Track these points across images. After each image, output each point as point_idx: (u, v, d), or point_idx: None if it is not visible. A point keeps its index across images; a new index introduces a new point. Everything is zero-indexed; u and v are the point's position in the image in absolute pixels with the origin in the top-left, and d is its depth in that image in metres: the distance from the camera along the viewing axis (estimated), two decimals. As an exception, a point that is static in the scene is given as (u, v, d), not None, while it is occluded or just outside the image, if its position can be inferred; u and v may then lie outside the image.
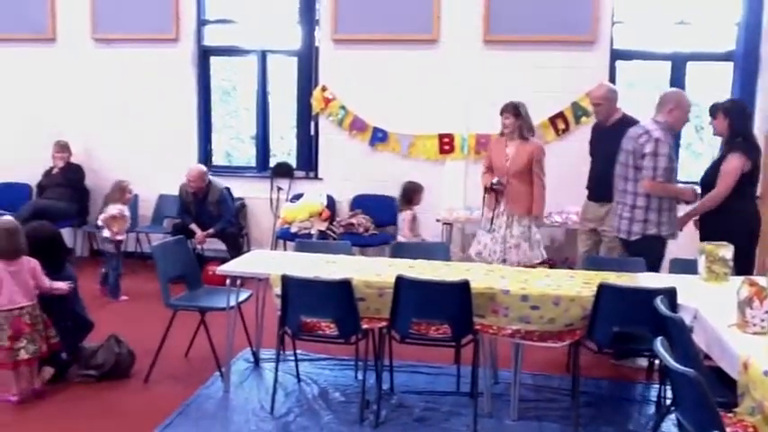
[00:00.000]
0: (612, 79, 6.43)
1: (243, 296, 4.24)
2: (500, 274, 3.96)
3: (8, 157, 7.52)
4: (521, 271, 4.14)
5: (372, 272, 3.84)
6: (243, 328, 4.42)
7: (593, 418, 3.80)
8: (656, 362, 4.11)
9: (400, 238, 6.25)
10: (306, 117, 7.13)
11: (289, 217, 6.63)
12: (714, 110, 4.69)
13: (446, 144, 6.75)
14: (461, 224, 6.53)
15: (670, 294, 3.33)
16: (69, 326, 4.12)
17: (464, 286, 3.50)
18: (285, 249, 6.45)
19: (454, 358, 4.21)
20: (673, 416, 2.58)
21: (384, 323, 3.68)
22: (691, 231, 4.75)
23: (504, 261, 4.94)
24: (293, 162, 7.24)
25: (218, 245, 6.59)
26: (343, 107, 6.90)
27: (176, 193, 6.66)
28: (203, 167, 6.56)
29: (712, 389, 2.27)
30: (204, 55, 7.31)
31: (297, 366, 4.32)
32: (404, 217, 6.39)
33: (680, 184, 4.57)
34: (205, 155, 7.42)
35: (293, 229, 6.48)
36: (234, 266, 4.11)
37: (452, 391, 4.10)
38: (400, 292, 3.56)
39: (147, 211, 7.22)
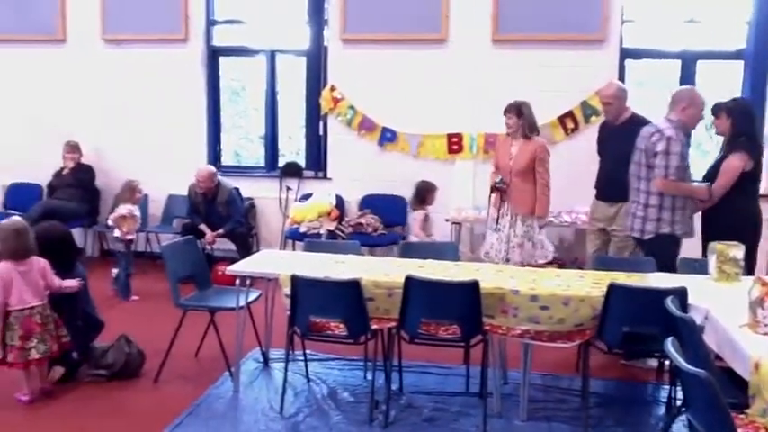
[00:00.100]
0: (622, 78, 6.41)
1: (252, 296, 4.24)
2: (509, 274, 3.95)
3: (19, 158, 7.57)
4: (530, 271, 4.12)
5: (381, 272, 3.84)
6: (252, 328, 4.42)
7: (603, 419, 3.78)
8: (667, 362, 4.09)
9: (412, 238, 6.25)
10: (315, 117, 7.13)
11: (298, 217, 6.63)
12: (717, 109, 4.67)
13: (455, 144, 6.75)
14: (470, 224, 6.52)
15: (681, 294, 3.31)
16: (80, 326, 4.14)
17: (473, 286, 3.49)
18: (294, 249, 6.46)
19: (463, 358, 4.21)
20: (683, 417, 2.56)
21: (393, 323, 3.68)
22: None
23: (507, 261, 4.94)
24: (302, 162, 7.24)
25: (227, 245, 6.61)
26: (351, 107, 6.90)
27: (185, 193, 6.68)
28: (212, 168, 6.58)
29: (723, 390, 2.26)
30: (213, 55, 7.33)
31: (306, 366, 4.33)
32: (415, 216, 6.38)
33: (695, 183, 4.52)
34: (214, 155, 7.44)
35: (302, 229, 6.49)
36: (243, 266, 4.12)
37: (461, 391, 4.09)
38: (409, 292, 3.56)
39: (157, 211, 7.24)
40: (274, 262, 4.22)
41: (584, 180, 5.44)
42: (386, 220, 6.70)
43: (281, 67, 7.34)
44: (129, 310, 5.65)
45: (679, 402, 3.51)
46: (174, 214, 7.19)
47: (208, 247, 6.45)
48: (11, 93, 7.59)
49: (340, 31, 6.84)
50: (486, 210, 5.37)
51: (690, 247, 4.60)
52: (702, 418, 2.37)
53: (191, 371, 4.36)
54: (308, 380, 4.26)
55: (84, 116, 7.41)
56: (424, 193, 6.39)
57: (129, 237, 5.96)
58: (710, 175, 4.60)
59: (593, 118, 6.36)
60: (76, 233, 6.13)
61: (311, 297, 3.67)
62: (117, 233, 5.95)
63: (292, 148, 7.63)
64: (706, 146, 7.26)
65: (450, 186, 6.62)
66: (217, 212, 6.50)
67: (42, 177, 7.34)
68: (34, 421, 3.67)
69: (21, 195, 7.47)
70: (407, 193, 6.74)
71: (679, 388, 3.25)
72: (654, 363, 4.38)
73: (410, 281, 3.54)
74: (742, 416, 2.47)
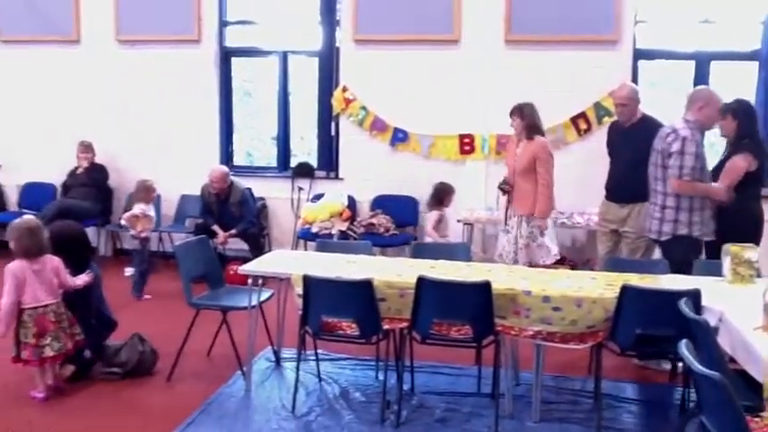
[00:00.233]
0: (635, 79, 6.39)
1: (264, 296, 4.26)
2: (521, 275, 3.95)
3: (33, 157, 7.64)
4: (542, 272, 4.12)
5: (393, 272, 3.84)
6: (264, 327, 4.44)
7: (616, 421, 3.77)
8: (680, 365, 4.06)
9: (427, 239, 6.24)
10: (327, 117, 7.14)
11: (309, 217, 6.65)
12: (723, 111, 4.64)
13: (467, 144, 6.74)
14: (482, 225, 6.51)
15: (694, 296, 3.29)
16: (93, 324, 4.17)
17: (485, 287, 3.48)
18: (306, 249, 6.48)
19: (475, 359, 4.21)
20: (697, 419, 2.55)
21: (405, 324, 3.68)
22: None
23: (516, 262, 4.94)
24: (314, 162, 7.26)
25: (239, 244, 6.63)
26: (363, 107, 6.91)
27: (198, 193, 6.72)
28: (225, 168, 6.61)
29: (738, 392, 2.24)
30: (226, 56, 7.35)
31: (318, 366, 4.34)
32: (429, 216, 6.37)
33: (713, 184, 4.45)
34: (226, 155, 7.46)
35: (314, 229, 6.50)
36: (255, 266, 4.13)
37: (473, 392, 4.09)
38: (421, 292, 3.55)
39: (170, 210, 7.28)
40: (286, 262, 4.23)
41: (596, 181, 5.42)
42: (397, 221, 6.70)
43: (293, 68, 7.36)
44: (142, 309, 5.68)
45: (693, 405, 3.49)
46: (187, 214, 7.23)
47: (220, 247, 6.48)
48: (26, 93, 7.64)
49: (352, 31, 6.85)
50: (496, 210, 5.38)
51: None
52: (716, 421, 2.36)
53: (203, 370, 4.38)
54: (320, 379, 4.27)
55: (97, 116, 7.46)
56: (442, 195, 6.36)
57: (144, 235, 5.99)
58: (714, 176, 4.58)
59: (606, 119, 6.33)
60: (90, 232, 6.15)
61: (323, 297, 3.68)
62: (132, 232, 5.99)
63: (304, 149, 7.64)
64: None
65: (461, 187, 6.60)
66: (230, 213, 6.52)
67: (56, 177, 7.40)
68: (48, 418, 3.70)
69: (35, 194, 7.54)
70: (419, 193, 6.74)
71: (692, 390, 3.24)
72: (667, 365, 4.36)
73: (422, 281, 3.54)
74: (757, 419, 2.45)
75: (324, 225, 6.52)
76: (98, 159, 7.31)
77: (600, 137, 6.13)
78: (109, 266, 6.63)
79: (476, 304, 3.54)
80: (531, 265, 4.67)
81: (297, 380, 3.91)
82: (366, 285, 3.56)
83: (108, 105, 7.44)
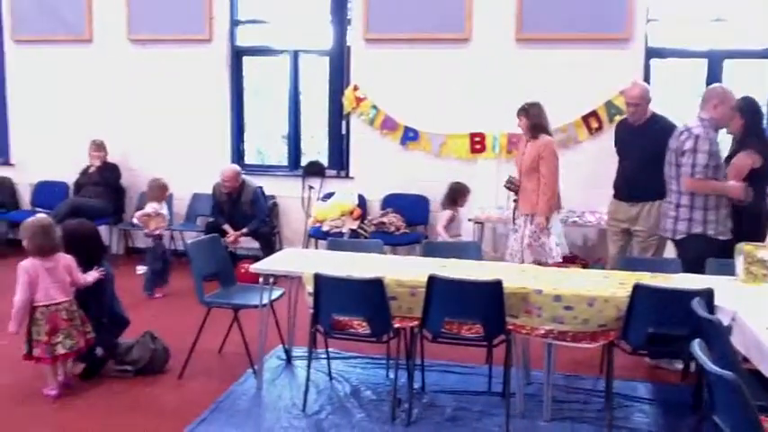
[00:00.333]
0: (647, 77, 6.36)
1: (275, 294, 4.26)
2: (533, 273, 3.94)
3: (46, 156, 7.69)
4: (554, 271, 4.11)
5: (404, 271, 3.84)
6: (275, 325, 4.46)
7: (627, 421, 3.75)
8: (692, 364, 4.04)
9: (438, 238, 6.23)
10: (337, 116, 7.15)
11: (320, 216, 6.66)
12: None
13: (477, 143, 6.73)
14: (493, 223, 6.50)
15: (707, 295, 3.28)
16: (105, 322, 4.19)
17: (497, 286, 3.48)
18: (317, 248, 6.49)
19: (486, 358, 4.20)
20: (710, 419, 2.54)
21: (416, 322, 3.67)
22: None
23: (522, 261, 4.95)
24: (325, 161, 7.26)
25: (250, 243, 6.65)
26: (374, 106, 6.91)
27: (210, 191, 6.74)
28: (237, 167, 6.63)
29: (751, 392, 2.23)
30: (237, 55, 7.37)
31: (329, 364, 4.35)
32: (441, 215, 6.34)
33: (730, 182, 4.39)
34: (238, 154, 7.48)
35: (325, 228, 6.51)
36: (267, 265, 4.14)
37: (484, 390, 4.08)
38: (432, 291, 3.55)
39: (181, 209, 7.31)
40: (297, 260, 4.24)
41: (607, 180, 5.38)
42: (408, 220, 6.70)
43: (304, 67, 7.37)
44: (154, 308, 5.71)
45: (705, 405, 3.47)
46: (198, 212, 7.26)
47: (230, 246, 6.49)
48: (39, 92, 7.69)
49: (363, 30, 6.85)
50: (506, 209, 5.39)
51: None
52: (730, 420, 2.35)
53: (214, 367, 4.39)
54: (331, 378, 4.27)
55: (109, 115, 7.50)
56: (456, 194, 6.33)
57: (157, 233, 6.02)
58: None
59: (617, 117, 6.29)
60: (102, 231, 6.17)
61: (334, 295, 3.69)
62: (146, 229, 6.03)
63: (315, 148, 7.65)
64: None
65: (472, 186, 6.59)
66: (241, 211, 6.54)
67: (69, 176, 7.44)
68: (60, 415, 3.72)
69: (48, 193, 7.59)
70: (430, 192, 6.74)
71: (705, 390, 3.22)
72: (679, 364, 4.34)
73: (433, 280, 3.54)
74: (770, 419, 2.44)
75: (334, 224, 6.53)
76: (110, 158, 7.35)
77: (611, 135, 6.09)
78: (121, 265, 6.68)
79: (487, 303, 3.53)
80: (538, 264, 4.65)
81: (308, 378, 3.91)
82: (377, 284, 3.56)
83: (120, 104, 7.48)
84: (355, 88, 6.95)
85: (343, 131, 7.15)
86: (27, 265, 3.84)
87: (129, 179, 7.45)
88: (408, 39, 6.73)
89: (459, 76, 6.69)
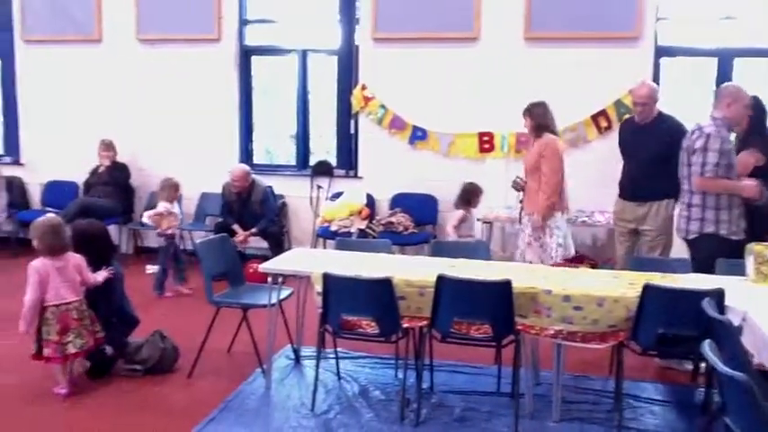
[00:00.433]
0: (657, 76, 6.34)
1: (284, 293, 4.27)
2: (542, 273, 3.92)
3: (56, 156, 7.73)
4: (563, 271, 4.09)
5: (413, 270, 3.84)
6: (284, 325, 4.46)
7: (637, 422, 3.74)
8: (702, 365, 4.02)
9: (447, 237, 6.21)
10: (346, 116, 7.15)
11: (329, 215, 6.66)
12: None
13: (486, 143, 6.71)
14: (501, 223, 6.49)
15: (718, 296, 3.26)
16: (114, 321, 4.20)
17: (506, 286, 3.47)
18: (325, 248, 6.50)
19: (494, 358, 4.20)
20: (721, 420, 2.53)
21: (425, 322, 3.67)
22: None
23: (524, 260, 5.00)
24: (333, 161, 7.27)
25: (259, 242, 6.66)
26: (382, 106, 6.91)
27: (219, 191, 6.76)
28: (247, 167, 6.64)
29: (762, 393, 2.22)
30: (245, 54, 7.39)
31: (337, 364, 4.35)
32: (452, 215, 6.29)
33: (744, 181, 4.35)
34: (246, 153, 7.50)
35: (333, 228, 6.51)
36: (276, 264, 4.15)
37: (493, 391, 4.07)
38: (441, 291, 3.55)
39: (190, 209, 7.33)
40: (306, 260, 4.24)
41: (616, 179, 5.37)
42: (417, 219, 6.70)
43: (312, 67, 7.38)
44: (164, 307, 5.73)
45: (715, 406, 3.45)
46: (207, 212, 7.28)
47: (239, 246, 6.50)
48: (48, 92, 7.74)
49: (371, 30, 6.85)
50: (514, 209, 5.40)
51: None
52: (741, 422, 2.33)
53: (223, 367, 4.40)
54: (340, 377, 4.27)
55: (118, 115, 7.53)
56: (470, 195, 6.27)
57: (169, 232, 6.04)
58: None
59: (627, 116, 6.28)
60: (111, 230, 6.21)
61: (343, 295, 3.69)
62: (158, 229, 6.04)
63: (323, 147, 7.65)
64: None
65: (480, 186, 6.58)
66: (251, 211, 6.55)
67: (79, 175, 7.47)
68: (70, 414, 3.74)
69: (57, 193, 7.63)
70: (438, 191, 6.74)
71: (715, 391, 3.20)
72: (689, 365, 4.31)
73: (442, 280, 3.53)
74: (782, 420, 2.42)
75: (343, 223, 6.53)
76: (119, 158, 7.38)
77: (621, 135, 6.10)
78: (131, 264, 6.70)
79: (496, 303, 3.53)
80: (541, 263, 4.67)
81: (316, 378, 3.92)
82: (386, 284, 3.56)
83: (129, 104, 7.51)
84: (363, 88, 6.95)
85: (352, 131, 7.16)
86: (38, 264, 3.86)
87: (138, 179, 7.48)
88: (417, 38, 6.72)
89: (467, 75, 6.69)
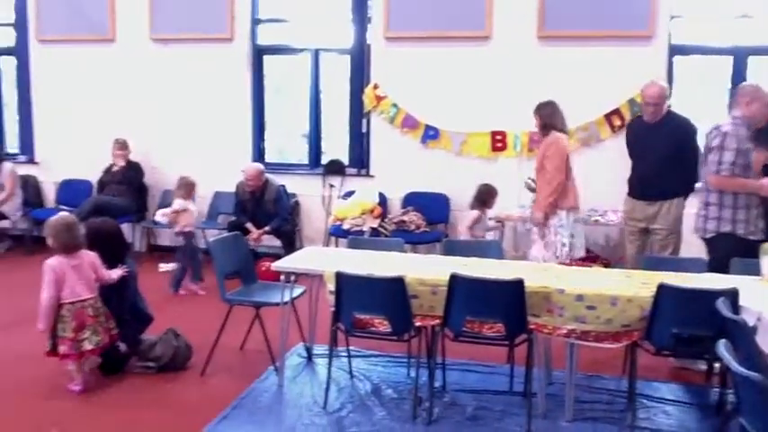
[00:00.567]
0: (670, 75, 6.30)
1: (297, 292, 4.27)
2: (555, 273, 3.92)
3: (70, 155, 7.78)
4: (576, 270, 4.08)
5: (425, 269, 3.84)
6: (296, 323, 4.48)
7: (650, 422, 3.72)
8: (716, 365, 4.00)
9: (460, 237, 6.20)
10: (358, 115, 7.15)
11: (341, 214, 6.67)
12: None
13: (499, 142, 6.70)
14: (514, 222, 6.47)
15: (732, 295, 3.24)
16: (128, 319, 4.23)
17: (518, 285, 3.47)
18: (337, 246, 6.51)
19: (507, 357, 4.19)
20: (736, 421, 2.51)
21: (437, 321, 3.67)
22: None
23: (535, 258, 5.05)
24: (345, 159, 7.28)
25: (271, 241, 6.68)
26: (394, 105, 6.91)
27: (231, 189, 6.78)
28: (261, 166, 6.66)
29: (779, 394, 2.21)
30: (258, 54, 7.41)
31: (350, 362, 4.36)
32: (466, 215, 6.28)
33: (763, 180, 4.29)
34: (259, 152, 7.52)
35: (345, 226, 6.52)
36: (288, 263, 4.16)
37: (505, 390, 4.07)
38: (454, 289, 3.55)
39: (203, 207, 7.35)
40: (319, 258, 4.25)
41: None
42: (429, 218, 6.69)
43: (324, 66, 7.39)
44: (177, 304, 5.76)
45: (730, 406, 3.43)
46: (220, 211, 7.30)
47: (252, 243, 6.52)
48: (63, 91, 7.79)
49: (383, 28, 6.85)
50: (527, 208, 5.42)
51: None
52: (757, 422, 2.32)
53: (236, 365, 4.42)
54: (352, 376, 4.28)
55: (132, 114, 7.57)
56: (486, 196, 6.22)
57: (188, 229, 6.07)
58: None
59: (635, 116, 6.25)
60: (125, 229, 6.26)
61: (355, 294, 3.69)
62: (176, 228, 6.06)
63: (335, 146, 7.66)
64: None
65: (493, 185, 6.57)
66: (264, 210, 6.58)
67: (93, 174, 7.52)
68: (84, 411, 3.76)
69: (72, 191, 7.69)
70: (450, 190, 6.73)
71: (730, 391, 3.18)
72: (703, 365, 4.29)
73: (455, 279, 3.53)
74: (798, 421, 2.40)
75: (355, 222, 6.54)
76: (133, 157, 7.42)
77: (634, 134, 6.07)
78: (144, 262, 6.74)
79: (509, 302, 3.52)
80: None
81: (329, 376, 3.92)
82: (398, 282, 3.56)
83: (142, 103, 7.55)
84: (376, 86, 6.95)
85: (364, 130, 7.16)
86: (53, 263, 3.89)
87: (151, 177, 7.53)
88: (429, 37, 6.72)
89: (480, 73, 6.67)
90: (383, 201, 6.89)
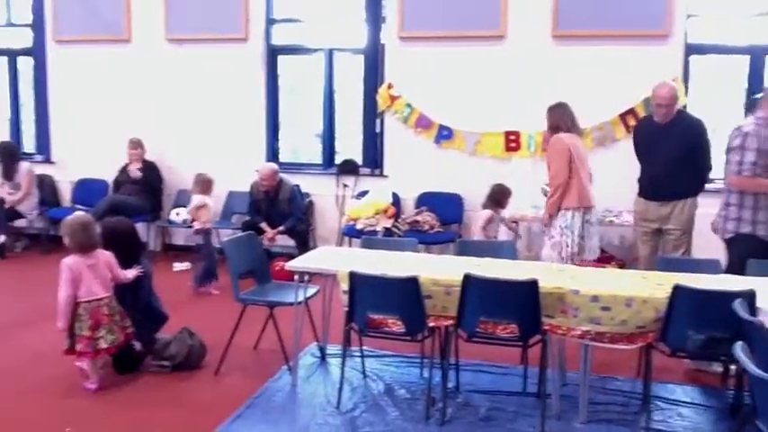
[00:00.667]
0: (686, 74, 6.26)
1: (310, 292, 4.28)
2: (569, 273, 3.90)
3: (86, 155, 7.84)
4: (590, 271, 4.06)
5: (439, 269, 3.83)
6: (310, 323, 4.48)
7: (665, 424, 3.69)
8: (732, 367, 3.96)
9: (474, 237, 6.19)
10: (371, 114, 7.15)
11: (354, 214, 6.68)
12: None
13: (512, 142, 6.68)
14: (528, 223, 6.45)
15: (749, 297, 3.21)
16: (142, 318, 4.25)
17: (532, 286, 3.46)
18: (350, 246, 6.51)
19: (520, 358, 4.18)
20: (753, 424, 2.49)
21: (451, 321, 3.66)
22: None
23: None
24: (359, 159, 7.28)
25: (284, 240, 6.70)
26: (408, 104, 6.91)
27: (245, 189, 6.81)
28: (275, 166, 6.68)
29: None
30: (272, 54, 7.43)
31: (363, 362, 4.36)
32: (479, 215, 6.24)
33: None
34: (272, 152, 7.54)
35: (359, 226, 6.52)
36: (302, 262, 4.17)
37: (519, 391, 4.06)
38: (468, 290, 3.54)
39: (217, 207, 7.36)
40: (332, 258, 4.25)
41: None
42: (442, 218, 6.69)
43: (338, 65, 7.40)
44: (192, 304, 5.78)
45: (747, 409, 3.40)
46: (234, 210, 7.33)
47: (266, 243, 6.54)
48: (79, 91, 7.85)
49: (397, 28, 6.85)
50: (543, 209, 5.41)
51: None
52: (774, 425, 2.30)
53: (250, 364, 4.44)
54: (365, 376, 4.28)
55: (147, 114, 7.62)
56: (500, 196, 6.19)
57: (208, 226, 6.10)
58: None
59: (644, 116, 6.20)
60: (140, 228, 6.29)
61: (369, 294, 3.69)
62: (197, 225, 6.09)
63: (349, 146, 7.67)
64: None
65: (507, 185, 6.55)
66: (279, 210, 6.59)
67: (108, 173, 7.57)
68: (99, 409, 3.79)
69: (88, 191, 7.75)
70: (464, 190, 6.72)
71: (746, 393, 3.15)
72: (719, 367, 4.25)
73: (469, 279, 3.52)
74: (815, 424, 2.38)
75: (369, 222, 6.54)
76: (148, 156, 7.47)
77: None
78: (159, 261, 6.77)
79: (523, 303, 3.51)
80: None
81: (342, 376, 3.93)
82: (412, 282, 3.56)
83: (158, 103, 7.59)
84: (389, 86, 6.95)
85: (378, 130, 7.16)
86: (70, 262, 3.93)
87: (166, 177, 7.57)
88: (443, 36, 6.71)
89: (494, 73, 6.66)
90: (397, 201, 6.88)
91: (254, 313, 4.32)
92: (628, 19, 6.26)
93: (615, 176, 5.95)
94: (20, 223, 7.74)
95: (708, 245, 4.86)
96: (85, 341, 3.88)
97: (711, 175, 5.14)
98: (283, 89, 7.63)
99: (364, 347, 4.38)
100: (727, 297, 3.18)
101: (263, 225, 6.53)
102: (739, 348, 2.45)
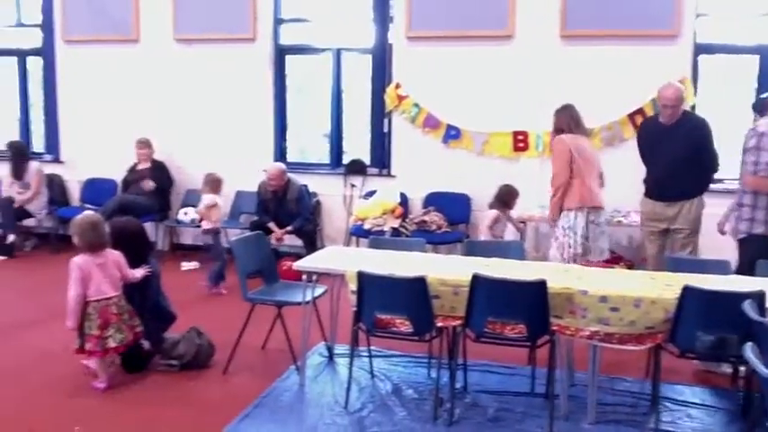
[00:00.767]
0: (695, 74, 6.23)
1: (318, 291, 4.29)
2: (577, 274, 3.89)
3: (95, 154, 7.87)
4: (599, 271, 4.05)
5: (447, 269, 3.83)
6: (318, 323, 4.49)
7: (674, 425, 3.68)
8: (742, 368, 3.94)
9: (480, 236, 6.18)
10: (379, 114, 7.15)
11: (362, 214, 6.68)
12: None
13: (520, 142, 6.67)
14: (535, 223, 6.44)
15: (759, 298, 3.20)
16: (151, 317, 4.27)
17: (541, 286, 3.45)
18: (358, 246, 6.51)
19: (528, 359, 4.17)
20: (763, 425, 2.48)
21: (459, 321, 3.66)
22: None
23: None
24: (366, 159, 7.28)
25: (292, 240, 6.71)
26: (416, 104, 6.90)
27: (253, 189, 6.82)
28: (283, 166, 6.69)
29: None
30: (280, 54, 7.44)
31: (371, 362, 4.36)
32: (486, 215, 6.23)
33: None
34: (280, 152, 7.55)
35: (366, 226, 6.53)
36: (310, 262, 4.17)
37: (527, 392, 4.05)
38: (476, 290, 3.53)
39: (225, 207, 7.37)
40: (340, 258, 4.26)
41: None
42: (450, 218, 6.68)
43: (346, 65, 7.40)
44: (200, 303, 5.80)
45: (756, 410, 3.38)
46: (242, 210, 7.34)
47: (274, 242, 6.54)
48: (88, 91, 7.88)
49: (405, 28, 6.85)
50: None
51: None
52: (783, 426, 2.29)
53: (258, 363, 4.44)
54: (373, 376, 4.28)
55: (156, 114, 7.64)
56: (507, 197, 6.18)
57: (219, 225, 6.11)
58: None
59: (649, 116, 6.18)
60: (148, 227, 6.31)
61: (377, 293, 3.69)
62: (206, 225, 6.10)
63: (357, 146, 7.67)
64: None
65: (515, 185, 6.54)
66: (286, 209, 6.60)
67: (117, 173, 7.60)
68: (107, 408, 3.80)
69: (96, 190, 7.78)
70: (472, 190, 6.72)
71: (756, 394, 3.14)
72: (728, 368, 4.23)
73: (477, 279, 3.52)
74: (826, 426, 2.37)
75: (376, 222, 6.54)
76: (156, 156, 7.49)
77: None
78: (167, 261, 6.79)
79: (531, 303, 3.51)
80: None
81: (350, 376, 3.93)
82: (420, 282, 3.55)
83: (166, 103, 7.62)
84: (397, 86, 6.95)
85: (385, 129, 7.16)
86: (79, 261, 3.94)
87: (174, 176, 7.58)
88: (451, 36, 6.71)
89: (501, 73, 6.65)
90: (404, 201, 6.88)
91: (262, 313, 4.33)
92: (636, 19, 6.24)
93: (623, 176, 5.92)
94: (29, 222, 7.78)
95: (714, 244, 4.86)
96: (94, 340, 3.89)
97: (718, 176, 5.12)
98: (291, 89, 7.64)
99: (372, 347, 4.39)
100: (736, 298, 3.16)
101: (271, 225, 6.54)
102: (749, 349, 2.44)
